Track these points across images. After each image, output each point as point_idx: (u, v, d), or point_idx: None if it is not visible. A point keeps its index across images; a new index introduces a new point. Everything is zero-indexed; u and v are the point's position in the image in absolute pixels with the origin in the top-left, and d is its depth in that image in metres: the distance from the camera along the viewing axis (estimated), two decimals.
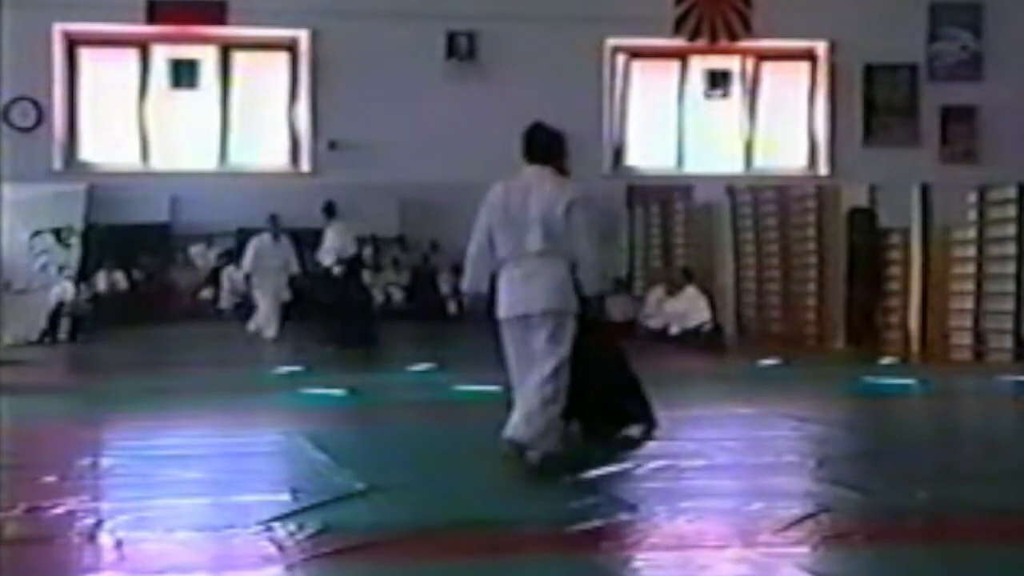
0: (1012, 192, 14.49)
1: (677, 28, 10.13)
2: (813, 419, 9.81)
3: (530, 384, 7.67)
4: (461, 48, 9.93)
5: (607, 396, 8.63)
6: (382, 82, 9.85)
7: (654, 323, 18.49)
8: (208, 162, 9.95)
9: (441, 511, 6.64)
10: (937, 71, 10.43)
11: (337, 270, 16.11)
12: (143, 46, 9.89)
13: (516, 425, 7.70)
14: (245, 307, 22.64)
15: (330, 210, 15.96)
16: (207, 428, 9.90)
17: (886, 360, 14.99)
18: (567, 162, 7.67)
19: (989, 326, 15.01)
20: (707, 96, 10.24)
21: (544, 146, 7.66)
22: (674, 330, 17.97)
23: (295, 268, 17.80)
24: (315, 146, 9.82)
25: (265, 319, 17.81)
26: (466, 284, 8.09)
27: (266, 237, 17.95)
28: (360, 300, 16.40)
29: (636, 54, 10.31)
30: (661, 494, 7.39)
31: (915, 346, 15.83)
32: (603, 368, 8.51)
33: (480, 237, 7.85)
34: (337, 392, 11.58)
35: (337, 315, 16.36)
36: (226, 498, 6.97)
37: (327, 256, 16.25)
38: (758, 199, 19.08)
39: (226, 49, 10.01)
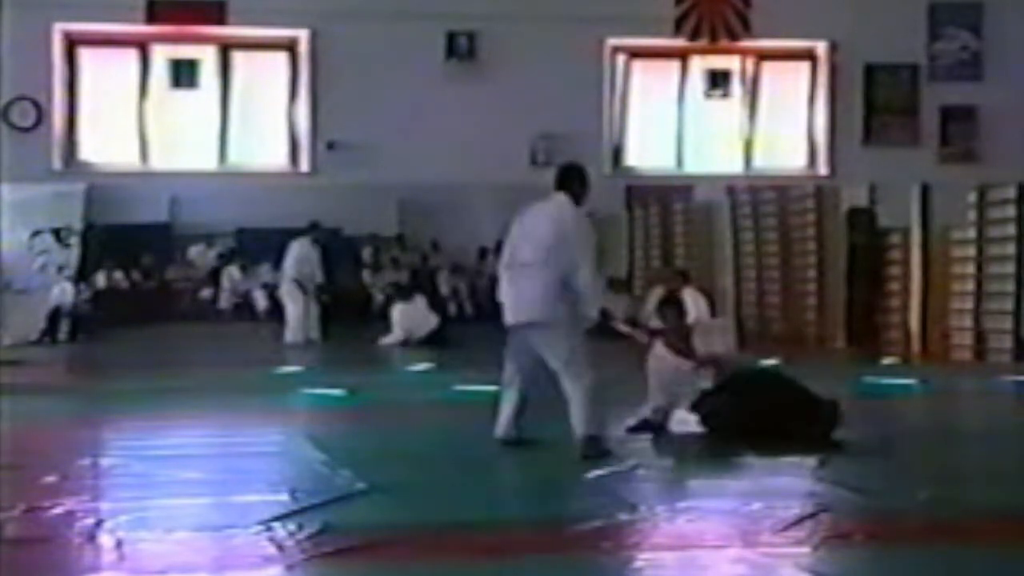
0: (1012, 192, 14.49)
1: (677, 28, 10.12)
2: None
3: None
4: (461, 48, 9.92)
5: None
6: (382, 82, 9.85)
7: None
8: (208, 162, 9.94)
9: (441, 511, 6.65)
10: (937, 71, 10.42)
11: None
12: (143, 46, 9.89)
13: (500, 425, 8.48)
14: (246, 307, 22.67)
15: None
16: (207, 428, 9.90)
17: (886, 360, 14.99)
18: (580, 190, 8.37)
19: (989, 326, 15.00)
20: (707, 96, 10.23)
21: (559, 176, 8.43)
22: None
23: (318, 277, 17.86)
24: (314, 146, 9.81)
25: (299, 324, 17.62)
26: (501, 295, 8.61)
27: (306, 243, 17.88)
28: None
29: (636, 54, 10.30)
30: (661, 494, 7.39)
31: (915, 346, 15.82)
32: None
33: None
34: (337, 392, 11.58)
35: None
36: (226, 498, 6.97)
37: None
38: (758, 199, 19.08)
39: (225, 49, 10.00)
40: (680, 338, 9.42)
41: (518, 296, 8.26)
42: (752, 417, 8.78)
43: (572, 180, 8.40)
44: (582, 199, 8.38)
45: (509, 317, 8.35)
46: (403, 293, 18.67)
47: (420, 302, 18.05)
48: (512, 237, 8.45)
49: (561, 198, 8.33)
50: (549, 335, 8.17)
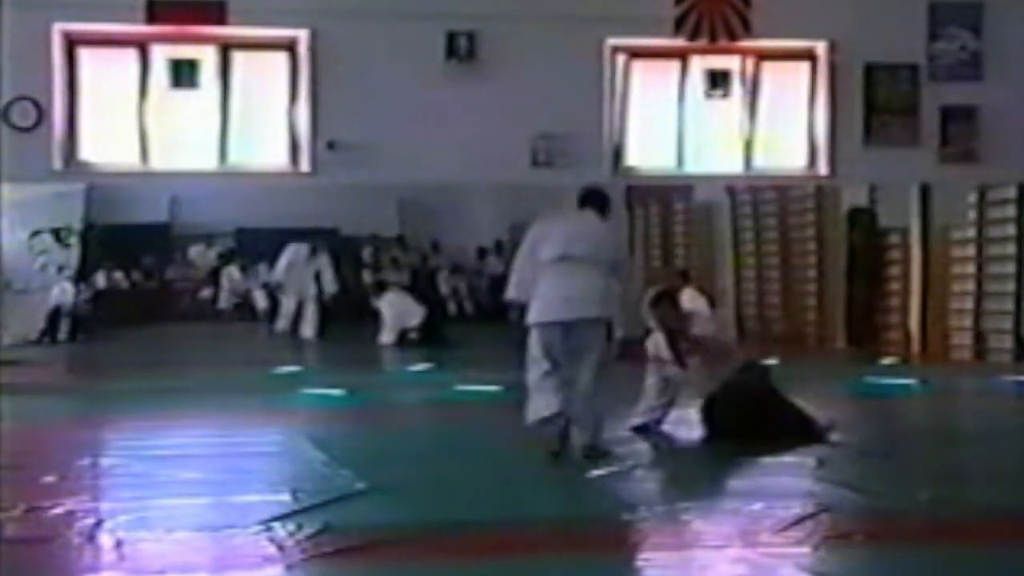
0: (1012, 192, 14.50)
1: (677, 28, 10.10)
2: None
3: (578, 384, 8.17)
4: (461, 48, 9.90)
5: None
6: (382, 82, 9.83)
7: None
8: (208, 162, 9.93)
9: (441, 511, 6.65)
10: (937, 71, 10.40)
11: None
12: (143, 46, 9.86)
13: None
14: (245, 307, 22.71)
15: None
16: (207, 428, 9.91)
17: (886, 360, 14.99)
18: (605, 210, 8.73)
19: (989, 326, 15.01)
20: (707, 96, 10.22)
21: (584, 196, 8.68)
22: None
23: (331, 286, 18.03)
24: (314, 146, 9.81)
25: (288, 315, 18.10)
26: (511, 292, 8.51)
27: (303, 248, 18.11)
28: None
29: (636, 54, 10.28)
30: (661, 494, 7.40)
31: (915, 346, 15.83)
32: None
33: (526, 250, 8.47)
34: (337, 392, 11.59)
35: None
36: (226, 498, 6.98)
37: None
38: (758, 199, 19.09)
39: (226, 49, 9.98)
40: (683, 325, 9.52)
41: (570, 292, 8.13)
42: (748, 418, 8.81)
43: (597, 201, 8.64)
44: (606, 219, 8.70)
45: (559, 313, 8.14)
46: (387, 286, 18.95)
47: (404, 293, 18.29)
48: (540, 238, 8.40)
49: (591, 214, 8.54)
50: (599, 334, 8.17)
